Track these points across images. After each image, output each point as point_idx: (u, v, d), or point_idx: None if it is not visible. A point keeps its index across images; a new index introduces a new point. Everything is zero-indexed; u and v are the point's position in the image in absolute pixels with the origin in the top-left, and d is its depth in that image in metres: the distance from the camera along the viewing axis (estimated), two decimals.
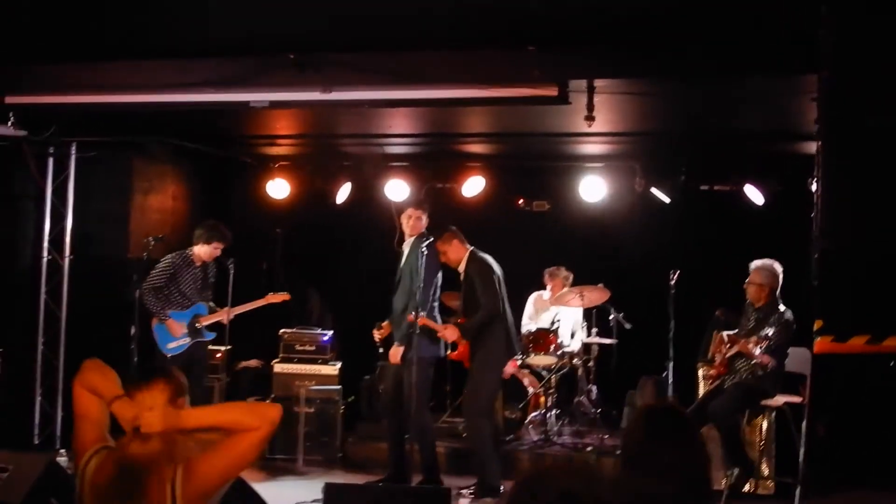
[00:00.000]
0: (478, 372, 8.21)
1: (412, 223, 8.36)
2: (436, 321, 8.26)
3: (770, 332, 7.68)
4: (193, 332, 8.93)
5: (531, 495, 1.57)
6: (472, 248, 8.40)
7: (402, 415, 8.15)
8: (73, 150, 9.76)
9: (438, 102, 7.42)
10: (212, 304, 9.11)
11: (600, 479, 1.57)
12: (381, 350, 8.59)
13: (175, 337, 8.84)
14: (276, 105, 7.39)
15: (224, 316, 8.94)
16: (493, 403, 8.72)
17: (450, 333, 8.30)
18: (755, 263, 8.17)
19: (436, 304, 8.35)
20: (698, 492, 3.18)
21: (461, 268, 8.41)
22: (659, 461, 3.16)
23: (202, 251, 8.91)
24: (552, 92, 6.87)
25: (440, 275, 8.36)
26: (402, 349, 8.10)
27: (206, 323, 9.01)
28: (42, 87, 7.84)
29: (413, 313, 7.92)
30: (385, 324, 8.52)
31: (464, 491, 8.14)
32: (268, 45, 6.91)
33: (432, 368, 8.32)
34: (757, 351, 7.66)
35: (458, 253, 8.36)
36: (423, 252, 8.01)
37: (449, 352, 8.79)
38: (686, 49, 6.44)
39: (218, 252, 8.97)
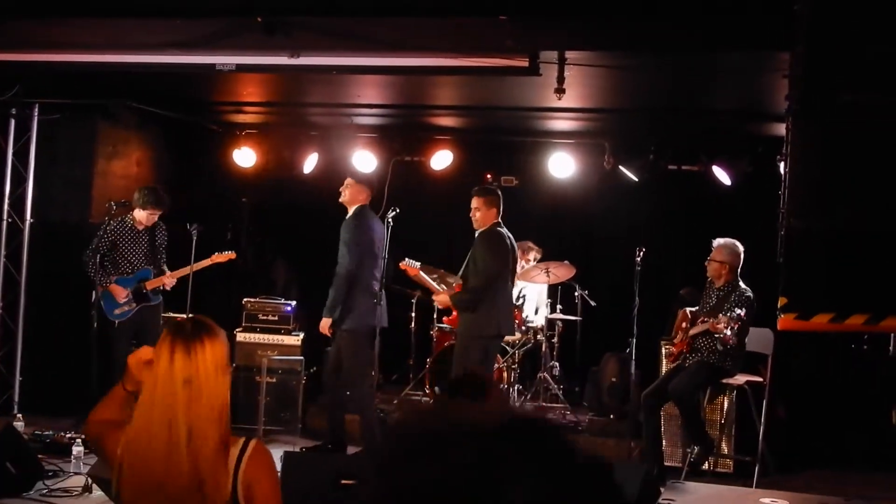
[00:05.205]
0: (462, 349, 8.06)
1: (349, 192, 8.25)
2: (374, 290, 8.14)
3: (742, 312, 7.63)
4: (139, 296, 8.77)
5: (396, 442, 1.51)
6: (497, 221, 8.10)
7: (338, 386, 8.27)
8: (36, 111, 9.58)
9: (408, 70, 7.35)
10: (165, 268, 8.96)
11: (465, 408, 1.52)
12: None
13: (119, 302, 8.71)
14: (243, 68, 7.28)
15: (168, 279, 8.83)
16: None
17: (441, 300, 8.39)
18: (718, 241, 8.17)
19: (377, 272, 8.16)
20: None
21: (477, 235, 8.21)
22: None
23: (140, 216, 8.74)
24: (523, 63, 6.82)
25: (379, 244, 8.18)
26: (328, 321, 8.11)
27: (151, 287, 8.85)
28: (5, 45, 7.68)
29: (407, 261, 8.16)
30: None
31: None
32: (236, 7, 6.82)
33: (369, 339, 8.19)
34: (728, 332, 7.60)
35: (487, 219, 8.06)
36: (354, 224, 8.09)
37: (445, 317, 8.79)
38: (658, 21, 6.41)
39: (155, 218, 8.79)
